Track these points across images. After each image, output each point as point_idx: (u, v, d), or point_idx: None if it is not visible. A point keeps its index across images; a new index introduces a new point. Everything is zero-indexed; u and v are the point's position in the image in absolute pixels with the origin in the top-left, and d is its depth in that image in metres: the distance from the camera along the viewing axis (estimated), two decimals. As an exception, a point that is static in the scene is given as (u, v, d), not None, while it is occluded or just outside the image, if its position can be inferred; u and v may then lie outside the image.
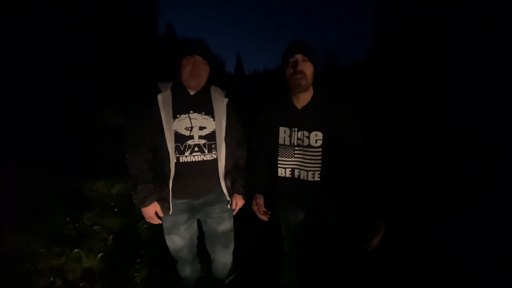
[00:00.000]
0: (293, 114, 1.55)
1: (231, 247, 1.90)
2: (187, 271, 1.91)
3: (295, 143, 1.54)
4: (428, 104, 8.87)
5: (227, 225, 1.81)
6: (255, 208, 1.71)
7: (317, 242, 1.77)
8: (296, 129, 1.53)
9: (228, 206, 1.75)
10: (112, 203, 3.58)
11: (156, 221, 1.64)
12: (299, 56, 1.44)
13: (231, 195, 1.73)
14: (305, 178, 1.56)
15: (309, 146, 1.52)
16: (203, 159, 1.58)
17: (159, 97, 1.52)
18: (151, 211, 1.60)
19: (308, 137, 1.51)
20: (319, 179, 1.54)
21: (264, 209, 1.70)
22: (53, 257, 2.53)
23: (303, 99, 1.53)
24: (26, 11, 10.56)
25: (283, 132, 1.56)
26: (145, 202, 1.56)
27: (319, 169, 1.53)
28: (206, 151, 1.59)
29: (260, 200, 1.71)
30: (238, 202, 1.77)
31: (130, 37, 16.52)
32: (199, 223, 1.85)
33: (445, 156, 4.73)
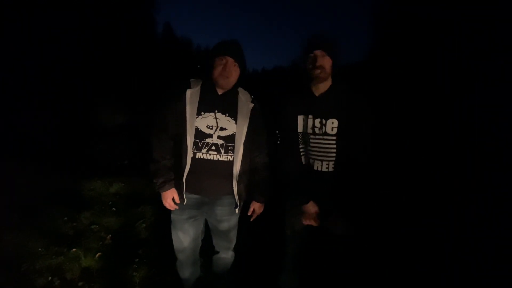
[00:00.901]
0: (310, 101, 1.58)
1: (233, 245, 1.93)
2: (186, 272, 1.92)
3: (311, 131, 1.56)
4: (428, 104, 8.86)
5: (232, 226, 1.83)
6: (309, 218, 1.64)
7: (319, 241, 1.77)
8: (312, 117, 1.56)
9: (236, 211, 1.75)
10: (110, 203, 3.57)
11: (173, 207, 1.70)
12: (318, 52, 1.50)
13: (241, 199, 1.73)
14: (320, 169, 1.57)
15: (325, 133, 1.54)
16: (218, 158, 1.62)
17: (188, 92, 1.60)
18: (169, 196, 1.67)
19: (325, 125, 1.54)
20: (333, 169, 1.55)
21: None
22: (51, 257, 2.52)
23: (321, 88, 1.58)
24: (26, 11, 10.55)
25: (301, 120, 1.59)
26: (164, 187, 1.66)
27: (334, 159, 1.54)
28: (222, 151, 1.62)
29: (314, 208, 1.64)
30: (257, 210, 1.79)
31: (129, 37, 16.51)
32: (206, 223, 1.88)
33: (445, 156, 4.72)
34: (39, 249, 2.63)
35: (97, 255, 2.55)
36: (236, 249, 1.96)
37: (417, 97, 10.05)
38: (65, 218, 3.14)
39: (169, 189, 1.66)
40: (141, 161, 5.12)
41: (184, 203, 1.66)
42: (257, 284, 2.21)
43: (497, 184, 3.48)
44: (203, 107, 1.60)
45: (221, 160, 1.62)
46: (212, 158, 1.61)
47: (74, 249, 2.60)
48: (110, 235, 2.87)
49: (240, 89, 1.71)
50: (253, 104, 1.69)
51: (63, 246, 2.67)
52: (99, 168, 4.66)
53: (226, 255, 1.92)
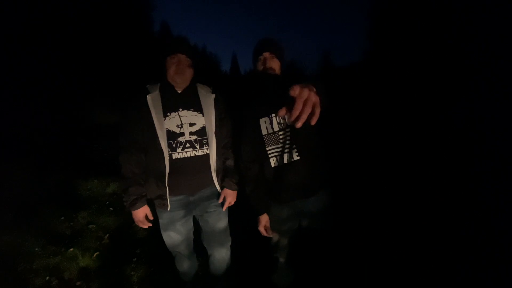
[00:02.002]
0: (269, 102, 1.61)
1: (228, 243, 1.92)
2: (184, 265, 1.93)
3: (277, 128, 1.59)
4: (427, 104, 8.90)
5: (223, 221, 1.83)
6: (262, 229, 1.71)
7: (310, 239, 1.80)
8: (274, 115, 1.59)
9: (221, 199, 1.76)
10: (107, 202, 3.57)
11: (146, 225, 1.67)
12: (266, 54, 1.58)
13: (223, 188, 1.76)
14: (288, 161, 1.59)
15: (287, 126, 1.59)
16: (195, 154, 1.63)
17: (148, 97, 1.58)
18: (141, 215, 1.63)
19: (284, 118, 1.59)
20: (298, 157, 1.59)
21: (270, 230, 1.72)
22: (48, 256, 2.52)
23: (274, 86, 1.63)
24: (19, 9, 10.43)
25: (263, 123, 1.61)
26: (135, 204, 1.60)
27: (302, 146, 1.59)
28: (197, 146, 1.64)
29: (267, 221, 1.71)
30: (228, 197, 1.76)
31: (125, 36, 16.37)
32: (194, 220, 1.87)
33: (445, 156, 4.75)
34: (36, 248, 2.62)
35: (95, 254, 2.56)
36: (231, 247, 1.96)
37: (415, 97, 10.10)
38: (62, 218, 3.14)
39: (141, 206, 1.61)
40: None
41: (168, 209, 1.65)
42: (253, 280, 2.23)
43: (497, 184, 3.52)
44: (168, 108, 1.60)
45: (198, 155, 1.63)
46: (189, 155, 1.62)
47: (71, 249, 2.60)
48: (107, 235, 2.87)
49: (198, 84, 1.73)
50: (214, 94, 1.73)
51: (60, 245, 2.67)
52: (96, 168, 4.64)
53: (220, 254, 1.89)
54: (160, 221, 1.73)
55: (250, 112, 1.65)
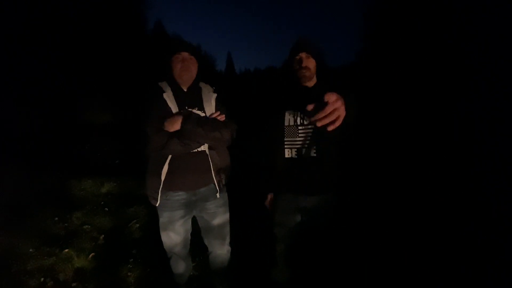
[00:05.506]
0: (299, 98, 1.65)
1: (228, 239, 1.92)
2: (180, 267, 1.92)
3: (300, 122, 1.64)
4: (428, 104, 8.91)
5: (223, 218, 1.83)
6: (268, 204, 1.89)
7: (312, 237, 1.82)
8: (300, 113, 1.64)
9: (217, 195, 1.74)
10: (102, 202, 3.53)
11: None
12: (303, 54, 1.63)
13: (221, 190, 1.76)
14: (309, 156, 1.64)
15: (310, 124, 1.62)
16: (197, 150, 1.62)
17: (165, 95, 1.61)
18: None
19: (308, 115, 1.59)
20: (315, 154, 1.64)
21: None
22: (43, 258, 2.48)
23: (308, 85, 1.69)
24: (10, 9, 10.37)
25: (288, 115, 1.67)
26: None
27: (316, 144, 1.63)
28: None
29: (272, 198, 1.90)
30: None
31: (119, 35, 16.27)
32: (193, 220, 1.86)
33: (445, 157, 4.75)
34: (30, 250, 2.59)
35: (90, 255, 2.52)
36: (231, 244, 1.96)
37: (416, 97, 10.10)
38: (56, 219, 3.10)
39: None
40: (133, 161, 5.07)
41: (157, 204, 1.66)
42: (253, 277, 2.21)
43: (497, 184, 3.52)
44: (179, 106, 1.62)
45: (199, 151, 1.64)
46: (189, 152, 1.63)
47: (66, 250, 2.57)
48: (103, 235, 2.84)
49: (201, 83, 1.77)
50: (215, 94, 1.76)
51: (55, 246, 2.63)
52: (89, 168, 4.60)
53: (221, 251, 1.91)
54: (160, 219, 1.73)
55: (276, 103, 1.74)
